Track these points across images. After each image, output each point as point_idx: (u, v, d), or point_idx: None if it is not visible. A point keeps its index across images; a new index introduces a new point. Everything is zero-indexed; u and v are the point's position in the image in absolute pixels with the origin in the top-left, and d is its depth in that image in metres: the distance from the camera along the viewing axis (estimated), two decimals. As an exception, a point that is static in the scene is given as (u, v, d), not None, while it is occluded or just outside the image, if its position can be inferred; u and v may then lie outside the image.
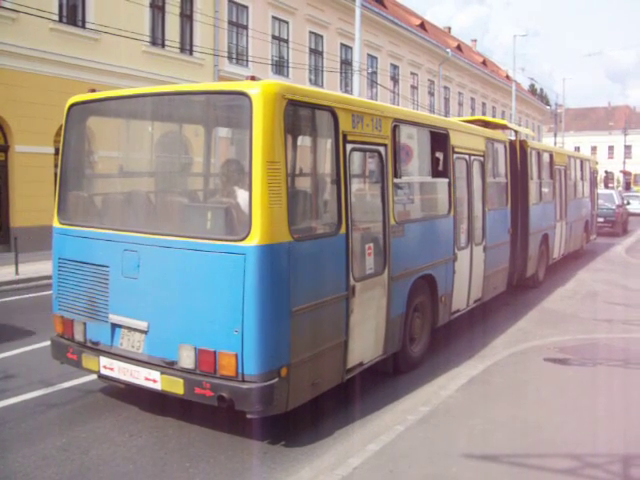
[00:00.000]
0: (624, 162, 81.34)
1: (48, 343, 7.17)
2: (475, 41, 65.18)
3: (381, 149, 7.35)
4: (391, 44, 36.89)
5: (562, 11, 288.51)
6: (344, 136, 6.56)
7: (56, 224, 7.11)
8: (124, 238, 6.26)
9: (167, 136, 7.80)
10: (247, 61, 26.21)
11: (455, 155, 9.48)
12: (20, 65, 17.79)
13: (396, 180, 7.63)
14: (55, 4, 18.81)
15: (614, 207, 28.29)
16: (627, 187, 66.99)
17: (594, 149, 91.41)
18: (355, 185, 6.95)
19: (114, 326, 6.37)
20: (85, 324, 6.60)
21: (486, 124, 13.34)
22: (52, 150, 18.78)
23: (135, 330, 6.22)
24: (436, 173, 9.10)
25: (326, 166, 6.72)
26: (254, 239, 5.44)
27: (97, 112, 7.58)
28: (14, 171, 17.99)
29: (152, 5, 21.92)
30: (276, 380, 5.59)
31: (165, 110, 7.19)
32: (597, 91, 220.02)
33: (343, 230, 6.42)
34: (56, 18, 18.70)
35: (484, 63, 54.68)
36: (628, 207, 32.14)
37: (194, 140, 8.01)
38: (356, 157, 7.04)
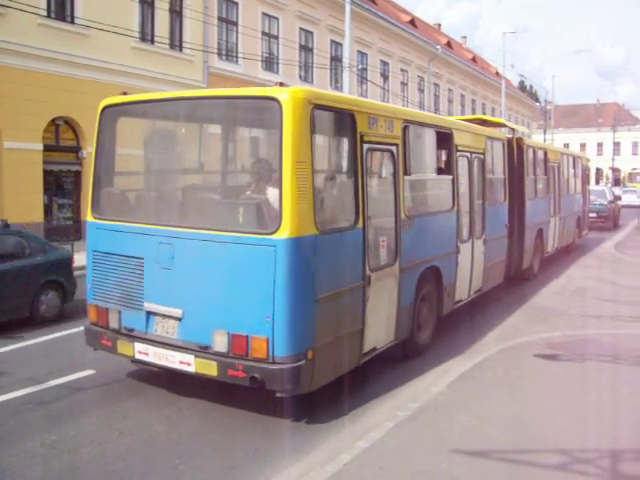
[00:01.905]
0: (613, 159, 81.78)
1: (36, 341, 7.16)
2: (465, 38, 65.20)
3: (393, 148, 7.85)
4: (381, 41, 36.87)
5: (552, 8, 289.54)
6: (361, 137, 7.06)
7: (90, 219, 7.55)
8: (159, 232, 6.71)
9: (199, 137, 8.38)
10: (237, 57, 26.13)
11: (458, 153, 9.98)
12: (8, 61, 17.63)
13: (406, 177, 8.10)
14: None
15: (606, 203, 29.05)
16: (616, 183, 67.27)
17: (583, 146, 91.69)
18: (370, 182, 7.38)
19: (149, 314, 6.81)
20: (120, 312, 7.01)
21: (484, 122, 13.93)
22: (41, 147, 18.68)
23: (169, 317, 6.66)
24: (441, 170, 9.68)
25: (345, 164, 7.27)
26: (284, 232, 5.93)
27: (129, 114, 8.08)
28: (2, 168, 17.85)
29: (141, 1, 21.80)
30: (303, 362, 6.08)
31: (198, 113, 7.78)
32: (586, 88, 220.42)
33: (360, 224, 6.90)
34: (44, 13, 18.55)
35: (474, 60, 54.74)
36: (624, 200, 33.31)
37: (225, 140, 8.38)
38: (371, 156, 7.45)
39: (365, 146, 7.13)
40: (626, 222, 31.60)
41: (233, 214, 6.59)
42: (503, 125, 15.28)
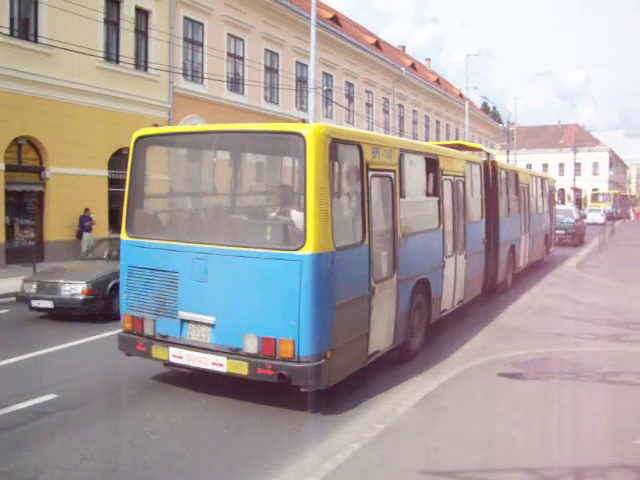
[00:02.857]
0: (574, 179, 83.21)
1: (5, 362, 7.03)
2: (429, 60, 66.04)
3: (391, 174, 8.85)
4: (346, 62, 37.22)
5: (514, 32, 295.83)
6: (367, 165, 8.06)
7: (124, 237, 8.36)
8: (193, 249, 7.56)
9: (228, 164, 9.30)
10: (202, 78, 26.14)
11: (443, 177, 11.02)
12: (-31, 80, 17.42)
13: (402, 199, 9.09)
14: (6, 18, 18.50)
15: (573, 221, 31.07)
16: (577, 203, 68.43)
17: (545, 166, 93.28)
18: (373, 204, 8.20)
19: (183, 321, 7.63)
20: (155, 321, 7.81)
21: (463, 147, 15.46)
22: (2, 167, 18.42)
23: (203, 324, 7.48)
24: (429, 193, 10.81)
25: (354, 189, 8.08)
26: (308, 249, 6.88)
27: (161, 143, 9.10)
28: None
29: (106, 21, 21.71)
30: (323, 361, 7.00)
31: (227, 144, 8.91)
32: (548, 110, 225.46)
33: (367, 241, 7.88)
34: (7, 32, 18.39)
35: (438, 82, 55.48)
36: (589, 219, 36.90)
37: (253, 168, 9.72)
38: (374, 181, 8.35)
39: (370, 173, 8.11)
40: (590, 239, 32.69)
41: (262, 233, 7.57)
42: (479, 149, 16.42)
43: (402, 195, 9.14)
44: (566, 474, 5.66)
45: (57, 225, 20.02)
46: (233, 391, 8.05)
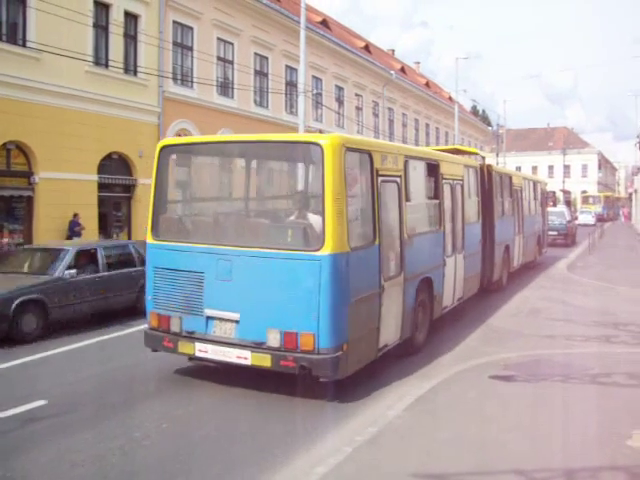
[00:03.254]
0: (563, 181, 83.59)
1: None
2: (418, 63, 66.18)
3: (398, 179, 9.44)
4: (336, 66, 37.26)
5: (503, 35, 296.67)
6: (376, 171, 8.64)
7: (150, 240, 8.87)
8: (218, 250, 8.10)
9: (251, 172, 9.95)
10: (192, 82, 26.08)
11: (443, 181, 11.66)
12: (-43, 85, 17.31)
13: (407, 203, 9.69)
14: (-6, 23, 18.41)
15: (565, 222, 32.47)
16: (567, 205, 68.69)
17: (535, 169, 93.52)
18: (382, 207, 8.75)
19: (208, 318, 8.15)
20: (181, 318, 8.30)
21: (459, 152, 16.02)
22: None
23: (227, 320, 8.02)
24: (430, 196, 11.34)
25: (365, 194, 8.58)
26: (327, 249, 7.47)
27: (186, 152, 9.74)
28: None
29: (95, 25, 21.62)
30: (341, 352, 7.57)
31: (249, 152, 9.57)
32: (537, 112, 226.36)
33: (377, 242, 8.45)
34: (-5, 37, 18.30)
35: (427, 85, 55.59)
36: (580, 220, 39.61)
37: (273, 175, 10.45)
38: (383, 186, 8.87)
39: (379, 178, 8.69)
40: (582, 240, 33.02)
41: (283, 235, 8.13)
42: (476, 154, 16.79)
43: (407, 198, 9.73)
44: (557, 476, 5.68)
45: (46, 230, 19.88)
46: (223, 396, 8.06)
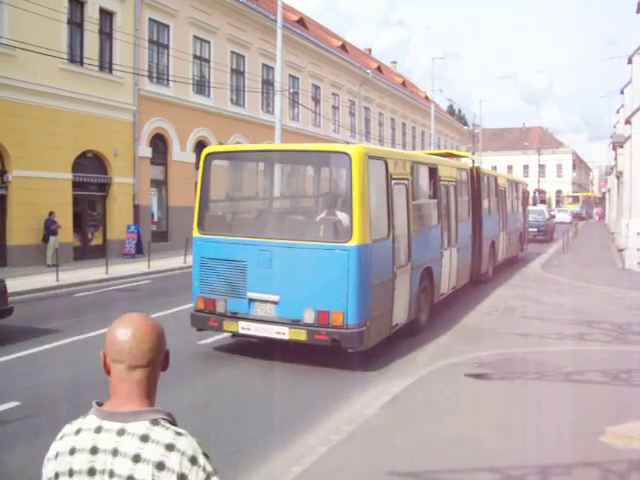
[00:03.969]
0: (538, 180, 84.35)
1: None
2: (395, 63, 66.48)
3: (406, 182, 10.94)
4: (312, 65, 37.27)
5: (479, 35, 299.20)
6: (390, 175, 10.15)
7: (197, 234, 10.22)
8: (259, 243, 9.45)
9: (288, 176, 12.28)
10: (168, 80, 25.94)
11: (440, 182, 13.14)
12: None
13: (413, 202, 11.17)
14: (-34, 19, 18.15)
15: (544, 220, 35.43)
16: (542, 204, 69.37)
17: (510, 168, 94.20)
18: (394, 205, 10.16)
19: (250, 300, 9.43)
20: (226, 300, 9.56)
21: (452, 155, 18.35)
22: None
23: (268, 302, 9.31)
24: (430, 196, 12.93)
25: (382, 194, 9.93)
26: (354, 241, 8.86)
27: (226, 159, 11.37)
28: None
29: (70, 21, 21.41)
30: (364, 328, 8.90)
31: (286, 159, 11.66)
32: (512, 112, 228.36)
33: (391, 236, 9.93)
34: (-33, 33, 18.04)
35: (404, 84, 55.82)
36: (558, 218, 44.45)
37: (307, 179, 12.23)
38: (395, 188, 10.34)
39: (392, 181, 10.19)
40: (559, 236, 33.97)
41: (316, 229, 9.47)
42: (467, 157, 19.17)
43: (414, 198, 11.23)
44: (531, 472, 5.73)
45: (20, 229, 19.67)
46: (199, 398, 8.01)
